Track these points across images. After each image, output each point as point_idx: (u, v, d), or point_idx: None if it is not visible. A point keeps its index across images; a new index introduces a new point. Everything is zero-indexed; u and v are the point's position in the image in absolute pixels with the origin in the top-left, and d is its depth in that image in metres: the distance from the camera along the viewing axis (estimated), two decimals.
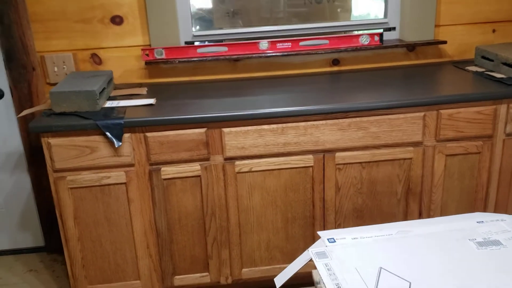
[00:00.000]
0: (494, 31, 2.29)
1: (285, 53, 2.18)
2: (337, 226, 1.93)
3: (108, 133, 1.69)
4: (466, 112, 1.82)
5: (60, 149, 1.72)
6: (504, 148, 1.88)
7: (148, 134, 1.74)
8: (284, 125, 1.78)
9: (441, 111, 1.82)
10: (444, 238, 1.30)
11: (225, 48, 2.19)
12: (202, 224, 1.87)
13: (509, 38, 2.31)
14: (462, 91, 1.83)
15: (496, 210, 1.97)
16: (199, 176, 1.80)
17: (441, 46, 2.28)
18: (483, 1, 2.25)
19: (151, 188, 1.80)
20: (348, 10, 2.35)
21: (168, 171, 1.78)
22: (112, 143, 1.72)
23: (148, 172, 1.78)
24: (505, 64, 1.97)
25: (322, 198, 1.89)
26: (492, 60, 2.05)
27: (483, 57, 2.11)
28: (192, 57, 2.15)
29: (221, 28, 2.30)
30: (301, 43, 2.21)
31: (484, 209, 1.96)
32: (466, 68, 2.14)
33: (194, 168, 1.79)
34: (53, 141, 1.71)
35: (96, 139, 1.72)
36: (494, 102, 1.83)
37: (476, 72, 2.07)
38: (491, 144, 1.88)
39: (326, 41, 2.22)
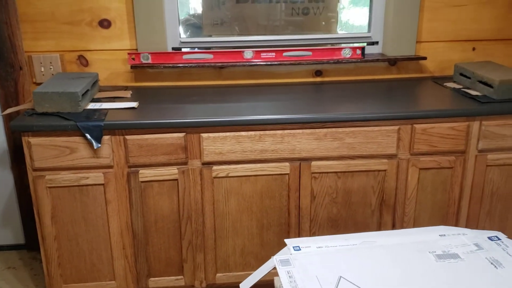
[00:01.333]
0: (474, 49, 2.35)
1: (269, 63, 2.22)
2: (312, 234, 1.97)
3: (87, 135, 1.72)
4: (440, 127, 1.87)
5: (40, 149, 1.75)
6: (476, 164, 1.93)
7: (128, 137, 1.77)
8: (261, 132, 1.82)
9: (415, 125, 1.86)
10: (405, 249, 1.34)
11: (210, 56, 2.23)
12: (178, 227, 1.90)
13: (488, 57, 2.36)
14: (438, 106, 1.88)
15: (467, 224, 2.01)
16: (176, 179, 1.83)
17: (422, 61, 2.33)
18: (464, 19, 2.30)
19: (129, 190, 1.83)
20: (334, 22, 2.40)
21: (146, 173, 1.81)
22: (91, 145, 1.76)
23: (126, 174, 1.82)
24: (480, 82, 2.02)
25: (297, 206, 1.93)
26: (469, 78, 2.10)
27: (461, 74, 2.16)
28: (177, 63, 2.19)
29: (210, 36, 2.35)
30: (284, 54, 2.26)
31: (456, 223, 2.01)
32: (445, 84, 2.19)
33: (172, 171, 1.82)
34: (33, 140, 1.74)
35: (76, 140, 1.75)
36: (467, 119, 1.88)
37: (454, 89, 2.12)
38: (464, 160, 1.92)
39: (309, 53, 2.26)
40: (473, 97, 1.98)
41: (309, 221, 1.95)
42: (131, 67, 2.16)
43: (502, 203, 2.00)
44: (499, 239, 1.38)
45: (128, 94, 2.08)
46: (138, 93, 2.12)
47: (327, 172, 1.89)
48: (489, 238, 1.39)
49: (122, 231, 1.88)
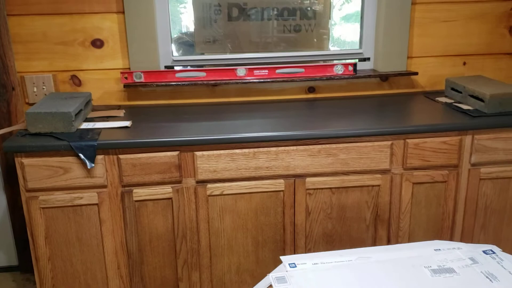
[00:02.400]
0: (464, 63, 2.38)
1: (262, 80, 2.24)
2: (307, 250, 1.96)
3: (81, 154, 1.72)
4: (433, 142, 1.88)
5: (33, 169, 1.74)
6: (470, 177, 1.94)
7: (121, 156, 1.77)
8: (256, 149, 1.83)
9: (408, 140, 1.87)
10: (401, 264, 1.34)
11: (203, 74, 2.25)
12: (173, 246, 1.89)
13: (479, 71, 2.39)
14: (430, 121, 1.90)
15: (462, 238, 2.01)
16: (171, 198, 1.83)
17: (413, 77, 2.36)
18: (454, 35, 2.34)
19: (123, 209, 1.83)
20: (325, 39, 2.43)
21: (140, 193, 1.81)
22: (85, 165, 1.75)
23: (120, 194, 1.81)
24: (472, 96, 2.04)
25: (292, 222, 1.92)
26: (460, 92, 2.13)
27: (453, 89, 2.19)
28: (170, 81, 2.20)
29: (202, 54, 2.36)
30: (277, 71, 2.28)
31: (451, 237, 2.01)
32: (436, 99, 2.21)
33: (166, 190, 1.82)
34: (26, 161, 1.73)
35: (70, 160, 1.75)
36: (459, 133, 1.89)
37: (445, 103, 2.14)
38: (457, 174, 1.93)
39: (302, 70, 2.28)
40: (464, 111, 2.00)
41: (304, 237, 1.94)
42: (124, 86, 2.17)
43: (496, 216, 2.01)
44: (493, 252, 1.38)
45: (121, 113, 2.09)
46: (131, 112, 2.12)
47: (322, 188, 1.90)
48: (484, 252, 1.39)
49: (117, 250, 1.87)
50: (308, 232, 1.94)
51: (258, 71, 2.26)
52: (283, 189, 1.88)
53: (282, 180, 1.87)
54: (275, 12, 2.33)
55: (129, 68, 2.21)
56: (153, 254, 1.89)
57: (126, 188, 1.81)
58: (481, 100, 1.98)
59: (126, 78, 2.18)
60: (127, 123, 1.92)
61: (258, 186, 1.86)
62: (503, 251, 1.41)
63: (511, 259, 1.34)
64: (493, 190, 1.97)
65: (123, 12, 2.15)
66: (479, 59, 2.38)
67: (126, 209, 1.82)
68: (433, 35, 2.33)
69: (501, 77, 2.41)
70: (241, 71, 2.25)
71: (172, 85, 2.18)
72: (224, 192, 1.85)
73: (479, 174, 1.94)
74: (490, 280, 1.24)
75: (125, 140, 1.74)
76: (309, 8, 2.35)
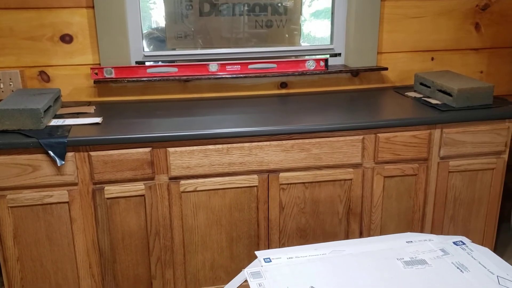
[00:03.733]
0: (432, 59, 2.43)
1: (235, 75, 2.23)
2: (282, 245, 1.97)
3: (50, 152, 1.68)
4: (403, 136, 1.92)
5: (1, 167, 1.69)
6: (439, 170, 1.99)
7: (92, 153, 1.74)
8: (229, 145, 1.82)
9: (379, 134, 1.90)
10: (374, 257, 1.36)
11: (175, 69, 2.22)
12: (146, 243, 1.87)
13: (447, 66, 2.44)
14: (400, 116, 1.93)
15: (432, 230, 2.06)
16: (143, 195, 1.81)
17: (383, 72, 2.39)
18: (423, 30, 2.38)
19: (94, 207, 1.79)
20: (297, 35, 2.44)
21: (111, 190, 1.78)
22: (55, 162, 1.71)
23: (92, 191, 1.78)
24: (440, 90, 2.09)
25: (266, 217, 1.93)
26: (429, 87, 2.17)
27: (421, 84, 2.23)
28: (141, 77, 2.17)
29: (173, 49, 2.34)
30: (250, 66, 2.27)
31: (421, 229, 2.05)
32: (406, 93, 2.25)
33: (138, 187, 1.79)
34: None
35: (39, 157, 1.70)
36: (428, 127, 1.94)
37: (415, 98, 2.18)
38: (427, 167, 1.98)
39: (274, 65, 2.29)
40: (433, 106, 2.04)
41: (278, 232, 1.95)
42: (94, 82, 2.12)
43: (464, 208, 2.06)
44: (463, 243, 1.42)
45: (91, 109, 2.04)
46: (102, 108, 2.09)
47: (295, 183, 1.91)
48: (454, 243, 1.42)
49: (88, 249, 1.83)
50: (282, 227, 1.95)
51: (230, 67, 2.26)
52: (257, 184, 1.88)
53: (255, 176, 1.87)
54: (247, 8, 2.33)
55: (100, 64, 2.17)
56: (126, 252, 1.86)
57: (98, 185, 1.77)
58: (449, 94, 2.03)
59: (96, 74, 2.13)
60: (97, 120, 1.88)
61: (232, 182, 1.86)
62: (472, 241, 1.44)
63: (480, 250, 1.38)
64: (462, 182, 2.03)
65: (93, 7, 2.10)
66: (447, 54, 2.43)
67: (98, 207, 1.79)
68: (402, 31, 2.37)
69: (468, 72, 2.47)
70: (213, 67, 2.24)
71: (143, 80, 2.15)
72: (198, 189, 1.84)
73: (448, 167, 1.99)
74: (461, 271, 1.27)
75: (96, 136, 1.71)
76: (280, 4, 2.35)
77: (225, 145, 1.82)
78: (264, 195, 1.90)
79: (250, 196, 1.89)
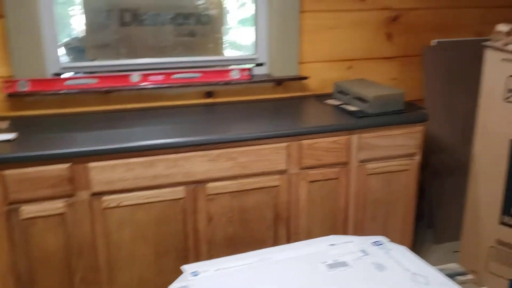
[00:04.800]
0: (349, 68, 2.54)
1: (158, 86, 2.20)
2: (211, 256, 1.96)
3: None
4: (324, 141, 1.99)
5: None
6: (358, 173, 2.08)
7: (6, 172, 1.64)
8: (153, 157, 1.79)
9: (303, 141, 1.96)
10: (299, 262, 1.40)
11: (95, 80, 2.16)
12: (68, 264, 1.79)
13: (362, 74, 2.57)
14: (321, 123, 2.00)
15: (355, 231, 2.15)
16: (63, 213, 1.73)
17: (304, 81, 2.47)
18: (340, 41, 2.49)
19: (10, 229, 1.69)
20: (221, 44, 2.45)
21: (28, 210, 1.69)
22: None
23: (6, 213, 1.67)
24: (356, 98, 2.19)
25: (194, 229, 1.92)
26: (347, 95, 2.27)
27: (340, 92, 2.33)
28: (59, 90, 2.08)
29: (94, 60, 2.26)
30: (173, 76, 2.25)
31: (345, 230, 2.14)
32: (326, 101, 2.34)
33: (57, 205, 1.71)
34: None
35: None
36: (347, 133, 2.02)
37: (334, 105, 2.27)
38: (347, 171, 2.06)
39: (199, 75, 2.29)
40: (351, 112, 2.13)
41: (207, 244, 1.95)
42: (8, 95, 2.01)
43: (383, 208, 2.17)
44: (382, 243, 1.50)
45: (4, 124, 1.93)
46: (17, 124, 1.97)
47: (223, 193, 1.91)
48: (373, 243, 1.50)
49: (4, 274, 1.72)
50: (210, 238, 1.95)
51: (153, 77, 2.23)
52: (183, 196, 1.86)
53: (182, 187, 1.86)
54: (169, 17, 2.31)
55: (13, 76, 2.05)
56: (47, 275, 1.77)
57: (13, 205, 1.67)
58: (365, 101, 2.13)
59: (9, 87, 2.02)
60: (10, 136, 1.78)
61: (158, 195, 1.83)
62: (391, 240, 1.52)
63: (397, 249, 1.46)
64: (379, 184, 2.13)
65: (4, 16, 1.99)
66: (362, 63, 2.56)
67: (13, 228, 1.69)
68: (321, 41, 2.46)
69: (382, 80, 2.61)
70: (135, 77, 2.20)
71: (61, 93, 2.06)
72: (122, 204, 1.79)
73: (366, 170, 2.09)
74: (379, 270, 1.34)
75: (8, 154, 1.61)
76: (203, 13, 2.36)
77: (149, 158, 1.79)
78: (191, 207, 1.89)
79: (177, 208, 1.87)
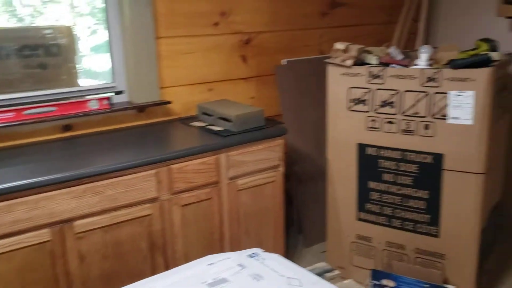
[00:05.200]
0: (210, 89, 2.63)
1: (8, 124, 2.04)
2: None
3: None
4: (193, 164, 2.02)
5: None
6: (229, 190, 2.15)
7: None
8: (11, 202, 1.65)
9: (172, 166, 1.97)
10: (181, 286, 1.40)
11: None
12: None
13: (223, 95, 2.67)
14: (188, 145, 2.04)
15: (232, 247, 2.21)
16: None
17: (168, 105, 2.49)
18: (198, 65, 2.56)
19: None
20: (75, 73, 2.36)
21: None
22: None
23: None
24: (221, 118, 2.27)
25: (66, 272, 1.80)
26: (211, 115, 2.34)
27: (204, 113, 2.39)
28: None
29: None
30: (25, 112, 2.11)
31: (222, 248, 2.18)
32: (191, 124, 2.38)
33: None
34: None
35: None
36: (215, 152, 2.09)
37: (199, 127, 2.32)
38: (218, 189, 2.12)
39: (54, 108, 2.17)
40: (217, 133, 2.21)
41: (81, 285, 1.84)
42: None
43: (255, 221, 2.27)
44: (257, 254, 1.57)
45: None
46: None
47: (93, 229, 1.83)
48: (249, 255, 1.56)
49: None
50: (85, 278, 1.84)
51: (2, 115, 2.06)
52: (49, 239, 1.74)
53: (47, 229, 1.74)
54: (14, 49, 2.16)
55: None
56: None
57: None
58: (229, 120, 2.22)
59: None
60: None
61: (19, 241, 1.69)
62: (265, 250, 1.61)
63: (271, 257, 1.54)
64: (249, 198, 2.23)
65: None
66: (221, 85, 2.66)
67: None
68: (180, 66, 2.51)
69: (242, 99, 2.75)
70: None
71: None
72: None
73: (237, 186, 2.17)
74: (257, 280, 1.41)
75: None
76: (52, 43, 2.25)
77: (5, 203, 1.64)
78: (59, 249, 1.77)
79: (43, 253, 1.74)
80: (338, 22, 3.04)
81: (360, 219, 2.39)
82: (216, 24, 2.57)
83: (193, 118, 2.49)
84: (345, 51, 2.23)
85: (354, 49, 2.22)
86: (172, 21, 2.43)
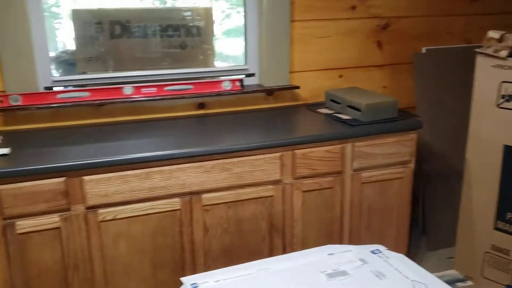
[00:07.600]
0: (340, 76, 2.56)
1: (151, 98, 2.20)
2: (207, 268, 1.96)
3: None
4: (318, 151, 2.00)
5: None
6: (353, 182, 2.09)
7: (1, 187, 1.62)
8: (148, 170, 1.79)
9: (296, 151, 1.97)
10: (299, 272, 1.40)
11: (87, 94, 2.15)
12: (64, 278, 1.77)
13: (354, 83, 2.60)
14: (314, 132, 2.02)
15: (350, 239, 2.16)
16: (59, 228, 1.71)
17: (296, 90, 2.49)
18: (330, 50, 2.51)
19: (6, 244, 1.67)
20: (211, 55, 2.46)
21: (24, 225, 1.67)
22: None
23: (2, 227, 1.65)
24: (349, 106, 2.21)
25: (191, 240, 1.91)
26: (339, 103, 2.29)
27: (332, 100, 2.35)
28: (51, 103, 2.07)
29: (84, 73, 2.26)
30: (166, 88, 2.26)
31: (340, 240, 2.14)
32: (318, 110, 2.35)
33: (53, 220, 1.70)
34: None
35: None
36: (341, 142, 2.04)
37: (326, 114, 2.29)
38: (341, 180, 2.07)
39: (191, 87, 2.29)
40: (344, 121, 2.15)
41: (203, 255, 1.94)
42: (0, 110, 1.99)
43: (378, 217, 2.19)
44: (380, 251, 1.50)
45: None
46: (9, 138, 1.96)
47: (218, 204, 1.91)
48: (372, 251, 1.50)
49: None
50: (207, 249, 1.94)
51: (146, 89, 2.22)
52: (179, 207, 1.86)
53: (178, 199, 1.85)
54: (159, 29, 2.32)
55: (5, 91, 2.04)
56: None
57: (8, 221, 1.65)
58: (358, 109, 2.15)
59: (1, 101, 2.00)
60: (5, 150, 1.76)
61: (154, 207, 1.82)
62: (388, 249, 1.53)
63: (395, 256, 1.47)
64: (374, 192, 2.15)
65: None
66: (353, 71, 2.59)
67: (9, 243, 1.67)
68: (311, 50, 2.48)
69: (373, 87, 2.64)
70: (128, 90, 2.19)
71: (53, 107, 2.05)
72: (117, 217, 1.78)
73: (361, 179, 2.10)
74: (380, 278, 1.35)
75: (4, 169, 1.60)
76: (192, 25, 2.37)
77: (144, 170, 1.78)
78: (187, 218, 1.88)
79: (173, 220, 1.86)
80: (490, 9, 2.76)
81: (498, 229, 2.17)
82: (353, 7, 2.49)
83: (320, 105, 2.45)
84: (499, 40, 2.01)
85: (511, 38, 1.99)
86: (308, 4, 2.41)
